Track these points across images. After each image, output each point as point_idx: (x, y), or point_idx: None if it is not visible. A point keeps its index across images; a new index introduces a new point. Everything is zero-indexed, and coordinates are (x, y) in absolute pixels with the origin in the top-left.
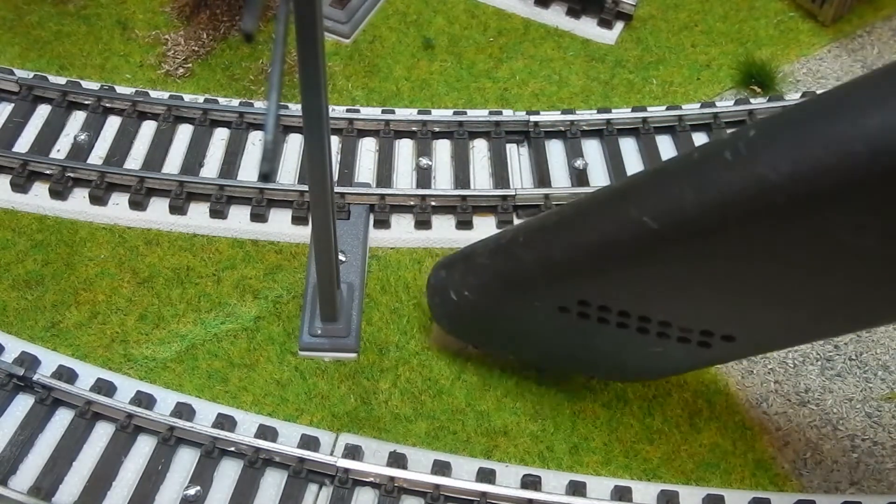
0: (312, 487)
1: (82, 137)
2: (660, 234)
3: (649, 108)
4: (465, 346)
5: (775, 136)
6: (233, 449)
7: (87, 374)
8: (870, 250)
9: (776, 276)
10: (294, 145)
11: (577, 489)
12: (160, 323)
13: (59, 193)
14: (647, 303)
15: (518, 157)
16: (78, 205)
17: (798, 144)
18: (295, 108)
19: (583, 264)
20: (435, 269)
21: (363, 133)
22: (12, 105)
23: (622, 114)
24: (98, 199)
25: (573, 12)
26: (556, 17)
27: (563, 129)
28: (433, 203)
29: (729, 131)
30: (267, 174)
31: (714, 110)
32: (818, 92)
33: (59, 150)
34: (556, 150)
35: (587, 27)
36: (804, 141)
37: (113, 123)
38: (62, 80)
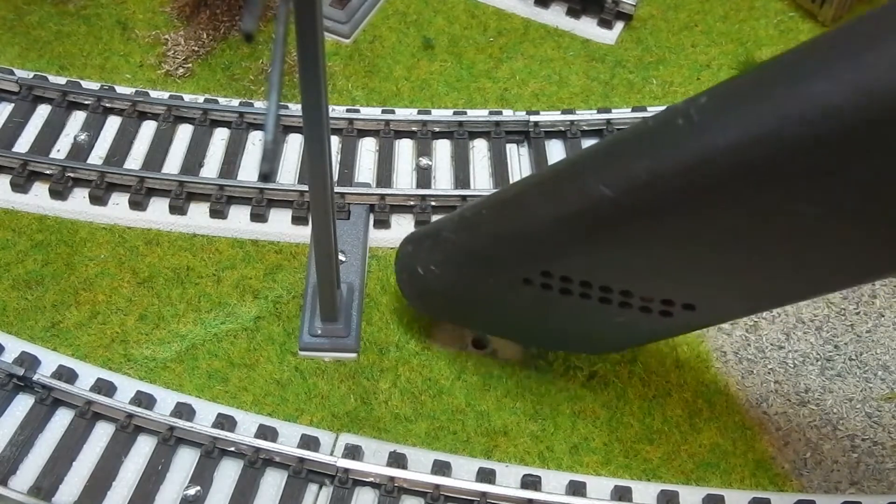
0: (312, 487)
1: (82, 137)
2: (616, 202)
3: (649, 108)
4: (465, 345)
5: (725, 103)
6: (233, 449)
7: (87, 374)
8: (817, 216)
9: (730, 243)
10: (294, 145)
11: (577, 489)
12: (160, 323)
13: (59, 193)
14: (607, 272)
15: (518, 157)
16: (78, 205)
17: (746, 110)
18: (295, 108)
19: (543, 236)
20: (402, 245)
21: (363, 133)
22: (12, 105)
23: (622, 114)
24: (98, 199)
25: (573, 12)
26: (556, 17)
27: (563, 129)
28: (433, 203)
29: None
30: (267, 174)
31: None
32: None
33: (59, 150)
34: (556, 150)
35: (587, 27)
36: (752, 107)
37: (113, 123)
38: (62, 80)
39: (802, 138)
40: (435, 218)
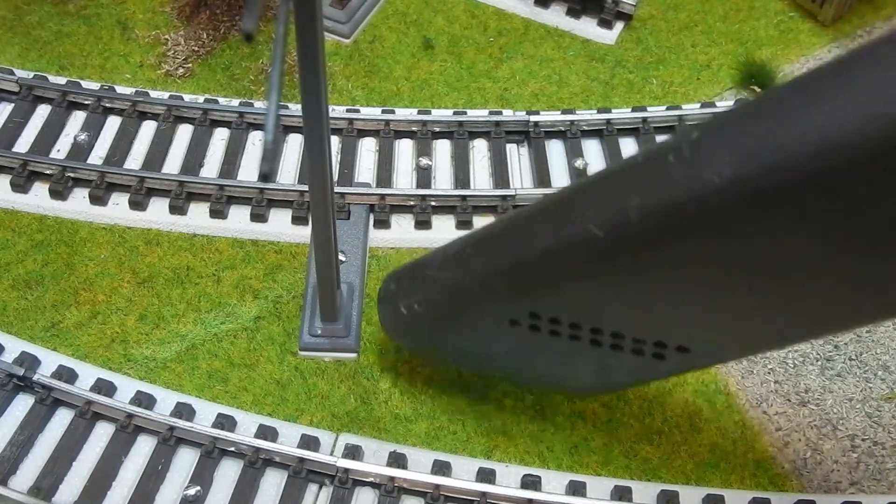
0: (312, 487)
1: (82, 137)
2: (605, 241)
3: (649, 108)
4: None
5: (717, 138)
6: (233, 449)
7: (87, 374)
8: (817, 254)
9: (725, 283)
10: (294, 145)
11: (577, 489)
12: (160, 323)
13: (59, 193)
14: (597, 314)
15: (518, 157)
16: (78, 205)
17: (739, 146)
18: (295, 108)
19: (530, 275)
20: (384, 283)
21: (363, 133)
22: (12, 105)
23: (622, 114)
24: (98, 199)
25: (573, 12)
26: (556, 17)
27: (563, 129)
28: (433, 203)
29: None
30: (267, 174)
31: (714, 110)
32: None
33: (59, 150)
34: (556, 150)
35: (587, 27)
36: (745, 142)
37: (113, 123)
38: (62, 80)
39: (800, 173)
40: (435, 218)
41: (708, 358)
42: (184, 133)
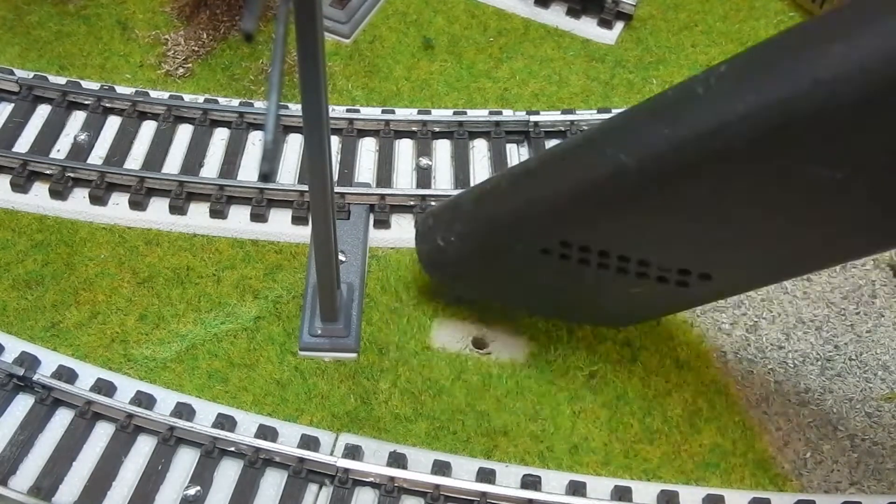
0: (312, 487)
1: (82, 137)
2: (636, 171)
3: None
4: (465, 345)
5: (743, 70)
6: (233, 449)
7: (87, 374)
8: (835, 179)
9: (747, 210)
10: (294, 145)
11: (577, 489)
12: (160, 323)
13: (59, 193)
14: (625, 242)
15: (518, 157)
16: (78, 205)
17: (764, 76)
18: (295, 108)
19: (563, 205)
20: (423, 218)
21: (363, 133)
22: (12, 105)
23: None
24: (98, 199)
25: (573, 12)
26: (556, 17)
27: (563, 129)
28: (433, 203)
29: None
30: (267, 174)
31: None
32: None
33: (59, 150)
34: None
35: (587, 27)
36: (769, 73)
37: (113, 123)
38: (62, 80)
39: (820, 101)
40: None
41: (730, 286)
42: (184, 133)
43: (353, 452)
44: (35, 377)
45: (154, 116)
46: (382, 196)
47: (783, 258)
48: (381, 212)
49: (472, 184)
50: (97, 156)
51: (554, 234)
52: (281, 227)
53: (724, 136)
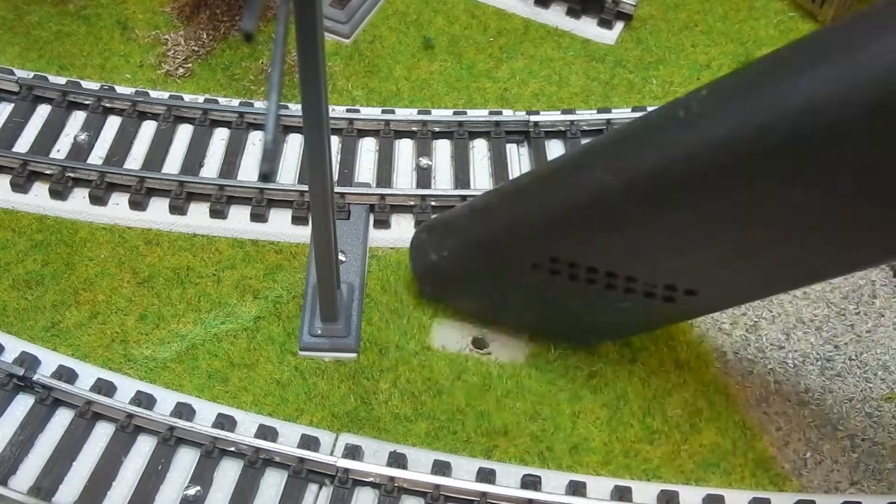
0: (312, 487)
1: (82, 137)
2: (621, 191)
3: (649, 108)
4: (465, 345)
5: (724, 95)
6: (233, 449)
7: (87, 374)
8: (814, 203)
9: (730, 229)
10: (294, 145)
11: (577, 489)
12: (160, 323)
13: (59, 193)
14: (613, 258)
15: (518, 157)
16: (78, 205)
17: (745, 102)
18: (295, 108)
19: (553, 222)
20: (417, 232)
21: (363, 133)
22: (12, 105)
23: (622, 114)
24: (98, 199)
25: (573, 12)
26: (556, 17)
27: (563, 129)
28: (433, 203)
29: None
30: (267, 174)
31: None
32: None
33: (59, 150)
34: (556, 150)
35: (587, 27)
36: (749, 99)
37: (113, 123)
38: (62, 80)
39: (797, 128)
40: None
41: (716, 301)
42: (184, 133)
43: (353, 452)
44: (35, 377)
45: (154, 116)
46: (382, 196)
47: (769, 274)
48: (381, 212)
49: (471, 184)
50: (97, 156)
51: (543, 251)
52: (281, 227)
53: (705, 159)
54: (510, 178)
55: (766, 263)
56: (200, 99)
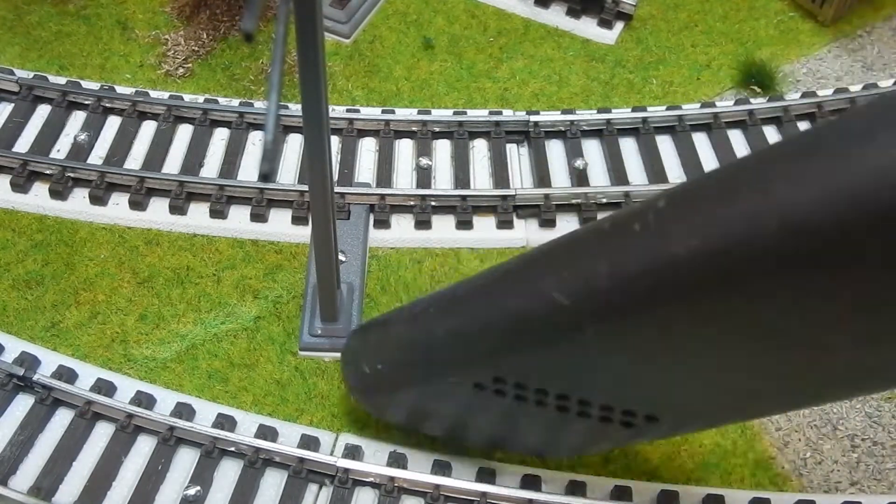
0: (312, 487)
1: (82, 137)
2: (570, 310)
3: (649, 108)
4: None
5: (683, 208)
6: (233, 449)
7: (87, 374)
8: (786, 327)
9: (692, 354)
10: (294, 145)
11: (577, 489)
12: (160, 323)
13: (59, 193)
14: (564, 381)
15: (518, 157)
16: (78, 205)
17: (705, 217)
18: (295, 108)
19: (494, 340)
20: (348, 340)
21: (363, 133)
22: (12, 105)
23: (622, 114)
24: (98, 199)
25: (573, 12)
26: (556, 17)
27: (563, 129)
28: (433, 203)
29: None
30: (267, 174)
31: (714, 110)
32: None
33: (59, 150)
34: (556, 150)
35: (587, 27)
36: (712, 214)
37: (113, 123)
38: (62, 80)
39: (767, 246)
40: (435, 218)
41: (677, 426)
42: (184, 133)
43: (353, 452)
44: (35, 377)
45: (154, 116)
46: (382, 196)
47: (734, 401)
48: (381, 212)
49: (471, 184)
50: (97, 156)
51: (486, 370)
52: (281, 227)
53: (660, 279)
54: (510, 177)
55: (734, 388)
56: (200, 99)
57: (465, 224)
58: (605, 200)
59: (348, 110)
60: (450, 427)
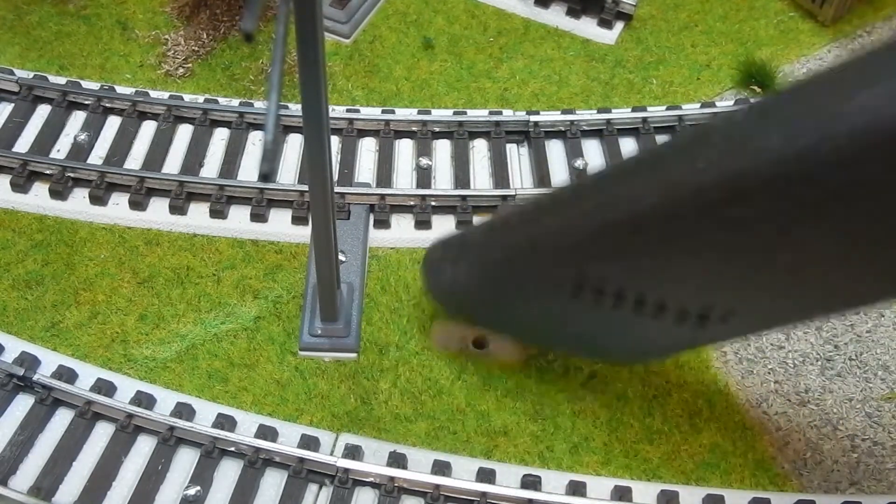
0: (312, 487)
1: (82, 137)
2: (660, 210)
3: (649, 108)
4: (465, 345)
5: (776, 110)
6: (233, 449)
7: (87, 374)
8: (858, 229)
9: (773, 252)
10: (294, 145)
11: (577, 489)
12: (160, 323)
13: (59, 193)
14: (644, 280)
15: (518, 157)
16: (78, 205)
17: (797, 116)
18: (295, 108)
19: (578, 241)
20: (431, 248)
21: (363, 133)
22: (12, 105)
23: (622, 114)
24: (98, 199)
25: (573, 12)
26: (556, 17)
27: (563, 129)
28: (433, 203)
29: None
30: (267, 174)
31: (714, 110)
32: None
33: (59, 150)
34: (556, 150)
35: (587, 27)
36: (803, 112)
37: (113, 123)
38: (62, 80)
39: (857, 148)
40: (435, 218)
41: (749, 326)
42: (184, 133)
43: (353, 452)
44: (35, 377)
45: (154, 116)
46: (382, 196)
47: (795, 303)
48: (381, 212)
49: (471, 184)
50: (97, 156)
51: (567, 270)
52: (281, 227)
53: (753, 176)
54: (510, 177)
55: (798, 291)
56: (200, 99)
57: (465, 224)
58: None
59: (348, 110)
60: (522, 327)
